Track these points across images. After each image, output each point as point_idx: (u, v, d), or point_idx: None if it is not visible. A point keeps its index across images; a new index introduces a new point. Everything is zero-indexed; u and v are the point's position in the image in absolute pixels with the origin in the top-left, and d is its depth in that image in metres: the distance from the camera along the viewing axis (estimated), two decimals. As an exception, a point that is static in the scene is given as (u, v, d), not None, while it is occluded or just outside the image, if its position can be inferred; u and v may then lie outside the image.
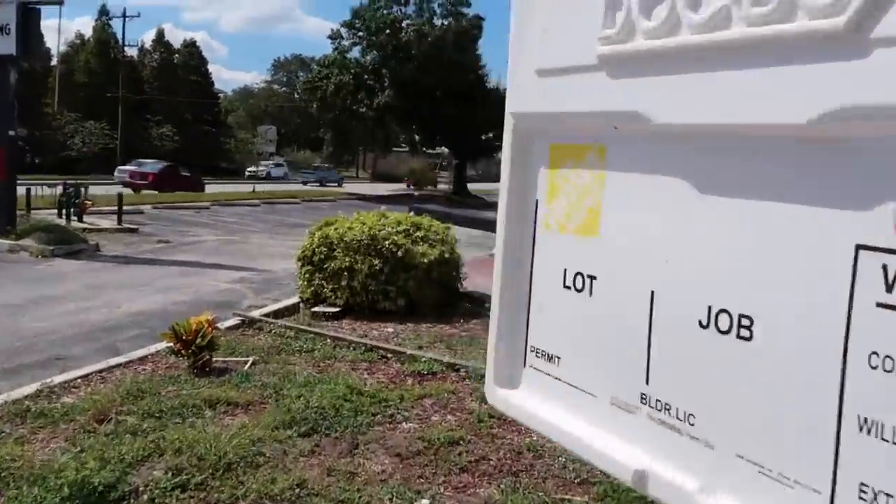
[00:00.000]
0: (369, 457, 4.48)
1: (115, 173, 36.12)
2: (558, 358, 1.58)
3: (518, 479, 4.26)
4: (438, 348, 7.24)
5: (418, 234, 9.03)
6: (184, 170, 37.53)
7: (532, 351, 1.65)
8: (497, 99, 47.38)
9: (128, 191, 22.49)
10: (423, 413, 5.33)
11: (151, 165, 36.13)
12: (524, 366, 1.67)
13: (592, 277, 1.48)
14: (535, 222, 1.65)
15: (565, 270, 1.55)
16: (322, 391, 5.50)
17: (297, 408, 5.13)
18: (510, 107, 1.67)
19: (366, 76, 45.62)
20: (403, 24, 44.74)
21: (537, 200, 1.64)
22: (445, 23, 45.38)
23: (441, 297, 9.02)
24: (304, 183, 54.78)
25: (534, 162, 1.64)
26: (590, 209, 1.49)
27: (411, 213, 10.20)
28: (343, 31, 47.13)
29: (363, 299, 8.57)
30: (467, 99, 43.73)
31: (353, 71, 45.53)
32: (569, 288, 1.54)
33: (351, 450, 4.55)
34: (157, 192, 31.52)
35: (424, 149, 58.42)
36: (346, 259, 8.60)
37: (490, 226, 13.28)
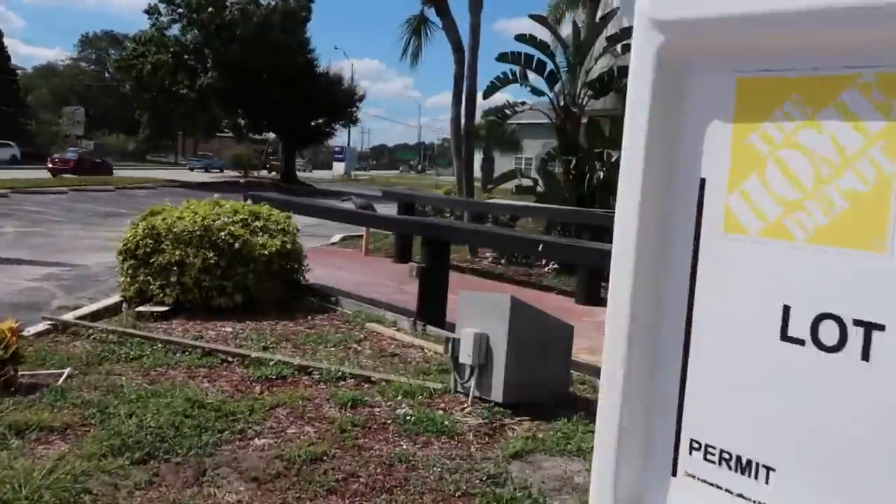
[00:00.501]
0: (220, 484, 3.87)
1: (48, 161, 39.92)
2: (767, 469, 0.95)
3: (393, 497, 3.84)
4: (285, 348, 6.65)
5: (257, 223, 8.42)
6: (95, 157, 42.36)
7: (695, 449, 1.01)
8: (327, 84, 46.49)
9: None
10: (277, 425, 4.76)
11: (71, 153, 40.27)
12: (673, 474, 1.05)
13: (872, 327, 0.84)
14: (698, 219, 0.97)
15: (787, 310, 0.89)
16: (157, 406, 4.78)
17: (128, 429, 4.39)
18: (651, 10, 0.96)
19: (186, 56, 43.10)
20: (228, 3, 42.51)
21: (704, 180, 0.96)
22: (273, 3, 43.67)
23: (282, 291, 8.47)
24: (191, 169, 57.20)
25: (699, 109, 0.94)
26: (857, 198, 0.85)
27: (248, 202, 9.46)
28: (161, 6, 44.15)
29: (196, 296, 7.80)
30: (296, 83, 42.42)
31: (172, 49, 42.80)
32: (798, 342, 0.89)
33: (197, 477, 3.92)
34: (76, 176, 34.23)
35: (250, 134, 56.14)
36: (177, 252, 7.78)
37: (326, 213, 12.74)
